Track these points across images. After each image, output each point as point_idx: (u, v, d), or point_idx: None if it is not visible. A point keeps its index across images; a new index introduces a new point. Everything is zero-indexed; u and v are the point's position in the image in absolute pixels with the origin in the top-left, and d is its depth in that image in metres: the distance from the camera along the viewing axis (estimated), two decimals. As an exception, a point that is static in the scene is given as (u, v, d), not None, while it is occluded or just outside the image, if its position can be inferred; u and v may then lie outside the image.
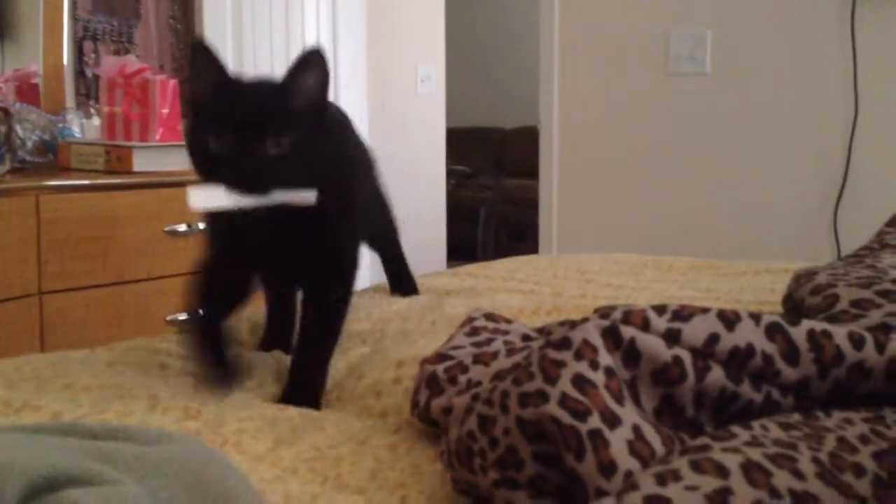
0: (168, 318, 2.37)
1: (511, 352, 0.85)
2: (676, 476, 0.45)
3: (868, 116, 2.70)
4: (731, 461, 0.48)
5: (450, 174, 4.81)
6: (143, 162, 2.38)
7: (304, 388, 1.06)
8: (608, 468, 0.54)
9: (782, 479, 0.46)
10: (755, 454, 0.50)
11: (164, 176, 2.38)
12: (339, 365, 1.12)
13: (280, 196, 0.99)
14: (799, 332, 0.66)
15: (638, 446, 0.56)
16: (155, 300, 2.35)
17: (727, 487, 0.44)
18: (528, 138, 5.12)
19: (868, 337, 0.67)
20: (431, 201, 4.47)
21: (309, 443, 0.82)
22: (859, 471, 0.50)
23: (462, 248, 5.38)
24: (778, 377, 0.64)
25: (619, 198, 3.15)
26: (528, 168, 4.26)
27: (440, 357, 0.87)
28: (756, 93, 2.88)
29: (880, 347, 0.66)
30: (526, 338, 0.93)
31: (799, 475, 0.47)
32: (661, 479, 0.45)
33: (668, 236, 3.03)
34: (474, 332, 0.97)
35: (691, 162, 3.00)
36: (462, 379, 0.81)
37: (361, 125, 3.69)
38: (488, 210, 5.75)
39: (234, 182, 0.97)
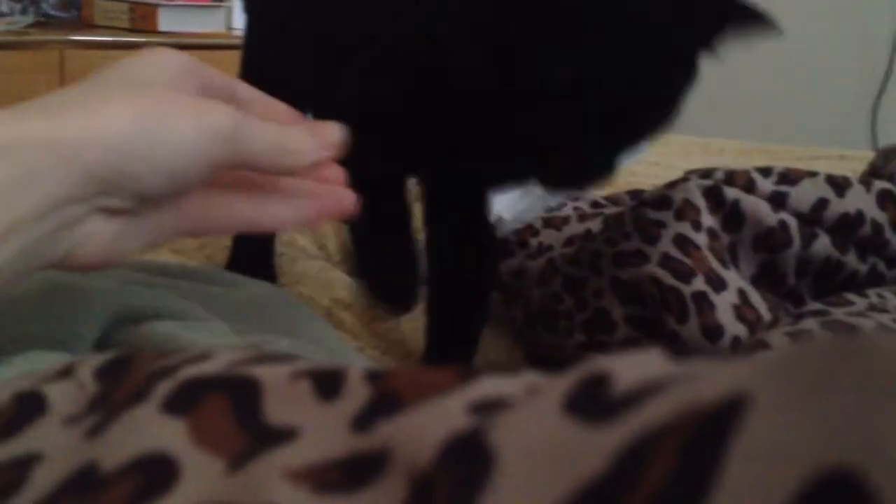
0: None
1: (582, 217, 0.81)
2: (810, 336, 0.42)
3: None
4: (864, 324, 0.45)
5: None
6: (169, 21, 2.31)
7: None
8: (714, 332, 0.51)
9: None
10: (884, 319, 0.47)
11: (189, 37, 2.31)
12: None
13: None
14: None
15: (745, 311, 0.53)
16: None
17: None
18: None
19: None
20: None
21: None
22: None
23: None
24: (886, 248, 0.60)
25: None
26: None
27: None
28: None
29: None
30: (595, 204, 0.90)
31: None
32: (796, 339, 0.42)
33: (708, 115, 2.95)
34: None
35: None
36: (533, 242, 0.78)
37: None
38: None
39: None
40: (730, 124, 2.88)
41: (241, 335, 0.45)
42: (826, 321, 0.45)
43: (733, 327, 0.52)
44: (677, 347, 0.52)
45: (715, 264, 0.55)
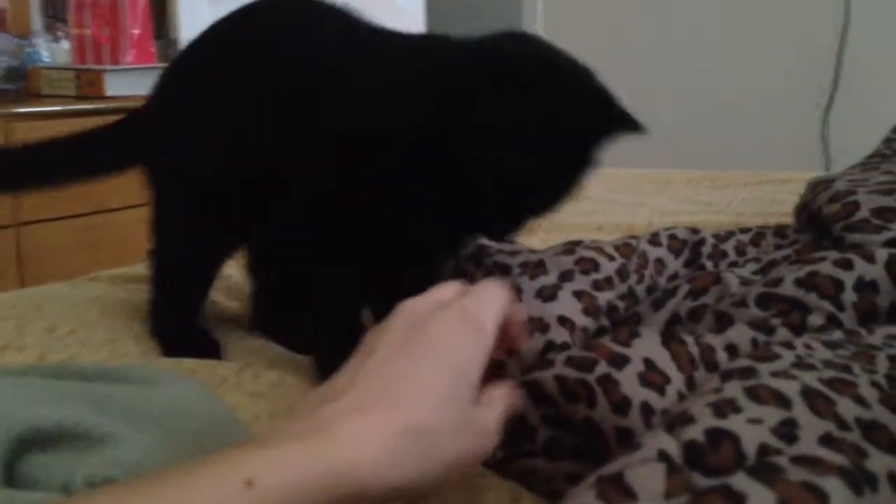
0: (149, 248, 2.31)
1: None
2: (735, 406, 0.41)
3: (859, 23, 2.63)
4: (790, 388, 0.44)
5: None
6: (116, 86, 2.30)
7: None
8: (622, 405, 0.51)
9: (847, 408, 0.42)
10: (811, 379, 0.46)
11: (138, 100, 2.29)
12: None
13: None
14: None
15: (650, 376, 0.53)
16: (135, 229, 2.29)
17: (792, 419, 0.40)
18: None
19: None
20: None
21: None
22: (922, 393, 0.47)
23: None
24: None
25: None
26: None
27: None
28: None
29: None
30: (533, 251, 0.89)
31: (862, 402, 0.43)
32: (719, 410, 0.41)
33: (657, 146, 2.97)
34: (481, 250, 0.92)
35: (680, 67, 2.94)
36: None
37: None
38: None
39: None
40: (679, 154, 2.91)
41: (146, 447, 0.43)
42: (749, 387, 0.44)
43: (639, 395, 0.51)
44: (593, 431, 0.51)
45: (616, 347, 0.55)
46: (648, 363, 0.54)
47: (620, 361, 0.54)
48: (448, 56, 0.71)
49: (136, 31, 2.38)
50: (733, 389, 0.44)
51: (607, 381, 0.52)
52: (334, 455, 0.38)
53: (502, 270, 0.74)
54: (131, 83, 2.34)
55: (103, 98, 2.27)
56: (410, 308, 0.49)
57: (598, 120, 0.71)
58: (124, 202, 2.25)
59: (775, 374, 0.47)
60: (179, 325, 0.82)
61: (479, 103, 0.65)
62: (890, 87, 2.58)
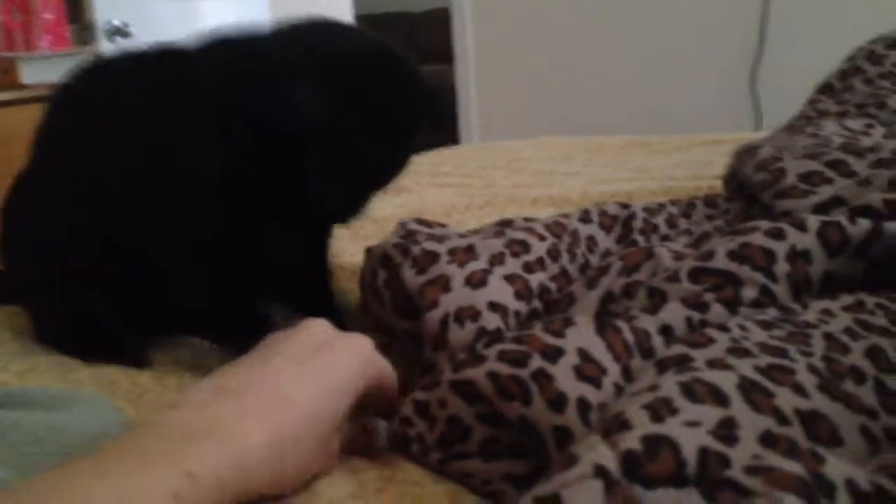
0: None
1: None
2: (671, 407, 0.39)
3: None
4: (726, 382, 0.42)
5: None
6: (31, 73, 2.21)
7: None
8: (557, 401, 0.49)
9: (786, 399, 0.41)
10: (747, 368, 0.44)
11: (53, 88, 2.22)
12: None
13: None
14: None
15: (585, 368, 0.51)
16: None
17: (731, 418, 0.39)
18: (439, 21, 4.95)
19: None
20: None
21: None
22: (859, 376, 0.46)
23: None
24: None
25: (538, 78, 3.07)
26: (443, 52, 4.13)
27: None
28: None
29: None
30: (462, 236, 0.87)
31: (801, 391, 0.42)
32: (655, 413, 0.39)
33: (591, 114, 2.97)
34: (409, 235, 0.90)
35: (610, 33, 2.93)
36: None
37: (263, 19, 3.50)
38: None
39: None
40: (611, 120, 2.92)
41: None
42: (685, 383, 0.42)
43: (575, 390, 0.50)
44: (529, 429, 0.49)
45: (549, 338, 0.53)
46: (583, 354, 0.52)
47: (554, 354, 0.52)
48: (262, 61, 0.71)
49: (50, 16, 2.30)
50: (669, 386, 0.42)
51: (542, 377, 0.50)
52: (228, 454, 0.42)
53: (431, 258, 0.72)
54: (47, 70, 2.26)
55: (19, 86, 2.18)
56: (318, 328, 0.54)
57: (411, 111, 0.74)
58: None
59: (711, 364, 0.45)
60: None
61: (298, 106, 0.66)
62: (817, 40, 2.60)
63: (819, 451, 0.36)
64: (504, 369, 0.51)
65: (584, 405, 0.48)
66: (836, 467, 0.35)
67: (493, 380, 0.52)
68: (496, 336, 0.62)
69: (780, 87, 2.65)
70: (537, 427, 0.48)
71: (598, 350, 0.53)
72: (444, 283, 0.68)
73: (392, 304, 0.73)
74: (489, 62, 3.17)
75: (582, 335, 0.54)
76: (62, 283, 0.77)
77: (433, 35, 5.90)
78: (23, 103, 2.13)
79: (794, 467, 0.35)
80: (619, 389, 0.51)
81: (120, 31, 2.83)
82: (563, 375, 0.50)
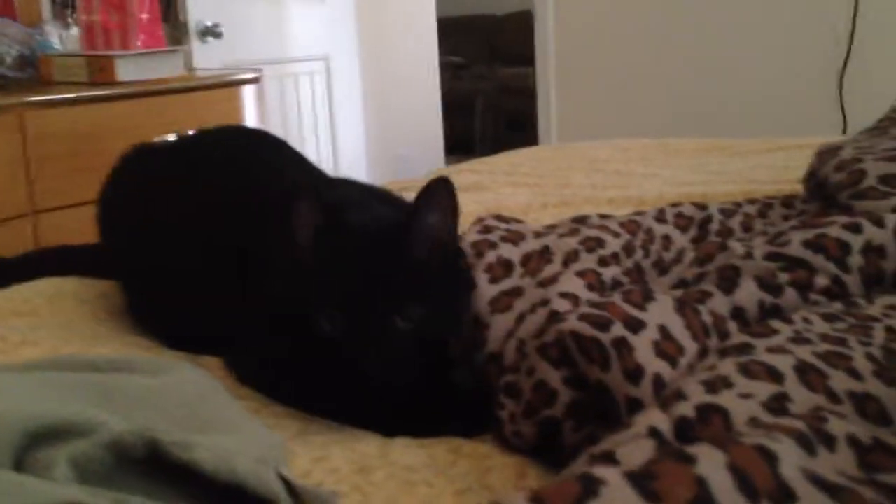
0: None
1: (537, 234, 0.82)
2: (727, 382, 0.42)
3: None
4: (783, 363, 0.44)
5: (443, 66, 4.69)
6: (127, 71, 2.30)
7: None
8: (635, 373, 0.51)
9: (840, 381, 0.43)
10: (805, 353, 0.46)
11: (149, 84, 2.30)
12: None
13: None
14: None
15: (665, 346, 0.53)
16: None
17: (784, 393, 0.41)
18: (522, 24, 4.97)
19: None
20: (426, 95, 4.36)
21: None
22: (917, 365, 0.47)
23: (460, 142, 5.30)
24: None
25: (617, 81, 3.07)
26: (524, 55, 4.14)
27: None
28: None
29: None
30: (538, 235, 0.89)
31: (856, 375, 0.44)
32: (711, 387, 0.41)
33: (669, 117, 2.96)
34: (486, 230, 0.93)
35: (691, 36, 2.91)
36: (490, 255, 0.77)
37: (348, 23, 3.57)
38: (485, 101, 5.65)
39: (362, 373, 0.70)
40: (691, 124, 2.90)
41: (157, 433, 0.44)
42: (743, 363, 0.44)
43: (654, 365, 0.52)
44: (604, 394, 0.52)
45: (630, 309, 0.55)
46: (664, 331, 0.54)
47: (636, 325, 0.54)
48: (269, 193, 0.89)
49: (145, 16, 2.38)
50: (727, 366, 0.44)
51: (623, 346, 0.52)
52: None
53: (505, 267, 0.75)
54: (142, 68, 2.35)
55: (115, 84, 2.27)
56: None
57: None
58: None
59: (770, 350, 0.47)
60: None
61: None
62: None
63: (824, 414, 0.38)
64: (586, 330, 0.53)
65: (659, 381, 0.50)
66: (838, 424, 0.37)
67: (575, 340, 0.54)
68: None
69: (867, 91, 2.60)
70: (613, 394, 0.51)
71: (678, 328, 0.55)
72: (517, 292, 0.71)
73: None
74: (568, 65, 3.18)
75: (662, 311, 0.56)
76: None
77: (515, 37, 5.91)
78: (118, 99, 2.23)
79: (797, 423, 0.37)
80: (691, 369, 0.53)
81: (210, 31, 2.93)
82: (644, 349, 0.52)
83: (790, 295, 0.62)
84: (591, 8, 3.10)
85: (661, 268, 0.76)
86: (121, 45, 2.36)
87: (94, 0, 2.37)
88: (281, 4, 3.26)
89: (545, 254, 0.79)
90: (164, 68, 2.42)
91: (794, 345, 0.48)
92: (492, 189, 1.48)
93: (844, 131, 2.62)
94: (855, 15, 2.62)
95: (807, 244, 0.67)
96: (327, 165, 3.49)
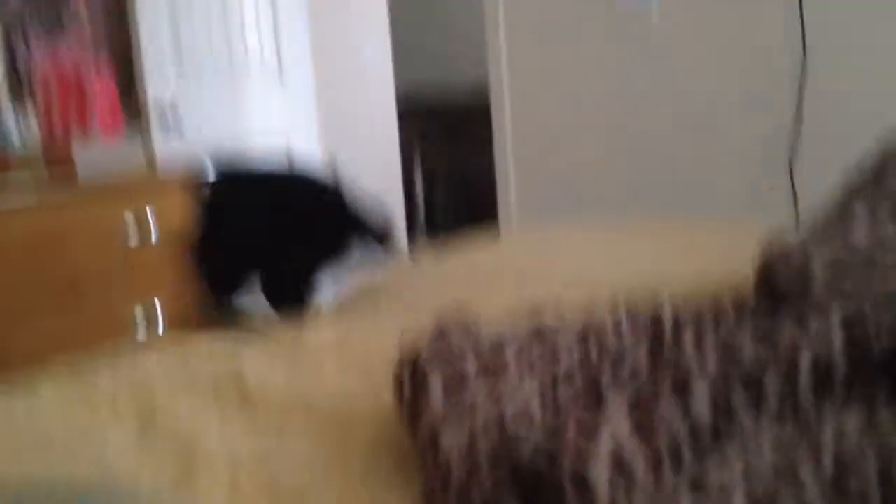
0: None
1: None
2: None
3: (817, 61, 2.68)
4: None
5: (404, 150, 4.74)
6: (86, 165, 2.31)
7: None
8: None
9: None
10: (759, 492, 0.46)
11: (109, 177, 2.31)
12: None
13: None
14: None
15: (618, 474, 0.53)
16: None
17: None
18: (481, 109, 5.05)
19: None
20: (386, 177, 4.40)
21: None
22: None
23: (420, 223, 5.33)
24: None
25: (573, 163, 3.12)
26: (483, 139, 4.20)
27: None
28: (702, 41, 2.85)
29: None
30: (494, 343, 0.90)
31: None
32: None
33: (624, 193, 3.01)
34: (442, 336, 0.93)
35: (643, 118, 2.97)
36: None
37: (308, 102, 3.61)
38: (444, 183, 5.70)
39: None
40: (647, 203, 2.95)
41: None
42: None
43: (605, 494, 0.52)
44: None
45: (583, 440, 0.56)
46: (617, 457, 0.54)
47: (589, 455, 0.54)
48: None
49: (103, 103, 2.40)
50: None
51: (580, 484, 0.52)
52: None
53: (460, 382, 0.75)
54: (100, 160, 2.36)
55: (73, 178, 2.27)
56: None
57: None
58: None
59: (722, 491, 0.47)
60: None
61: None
62: (854, 119, 2.62)
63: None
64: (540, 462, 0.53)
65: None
66: None
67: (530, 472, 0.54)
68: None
69: (816, 170, 2.67)
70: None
71: (632, 451, 0.55)
72: (471, 407, 0.71)
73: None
74: (526, 153, 3.24)
75: (617, 431, 0.56)
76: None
77: (474, 122, 6.00)
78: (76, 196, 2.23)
79: None
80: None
81: (169, 117, 2.94)
82: (600, 481, 0.52)
83: (742, 410, 0.63)
84: (546, 95, 3.17)
85: (617, 380, 0.76)
86: (80, 133, 2.37)
87: (51, 88, 2.38)
88: (237, 85, 3.29)
89: (500, 364, 0.79)
90: (124, 160, 2.42)
91: (746, 479, 0.48)
92: (451, 281, 1.49)
93: (797, 211, 2.68)
94: (801, 93, 2.70)
95: (758, 356, 0.68)
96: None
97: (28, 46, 2.64)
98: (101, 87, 2.39)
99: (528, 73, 3.20)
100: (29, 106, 2.60)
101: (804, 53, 2.67)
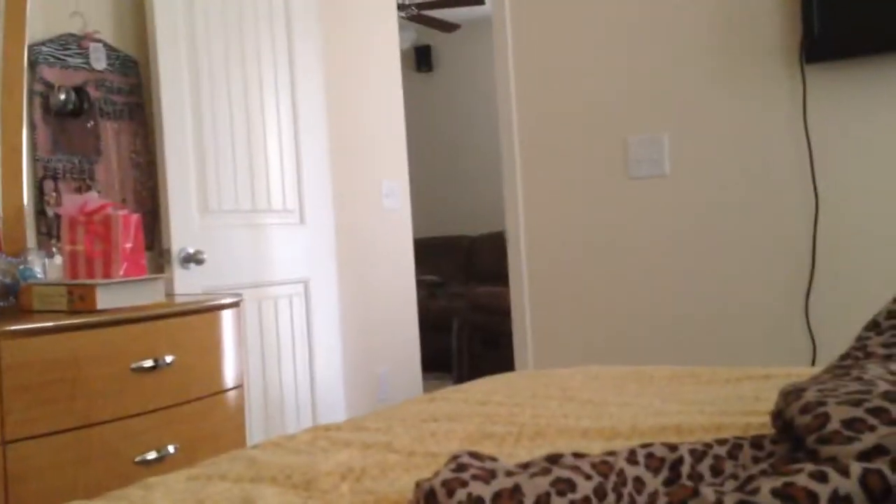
0: (136, 459, 2.29)
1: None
2: None
3: (828, 207, 2.73)
4: None
5: (420, 284, 4.80)
6: (107, 299, 2.34)
7: None
8: None
9: None
10: None
11: (128, 312, 2.34)
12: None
13: None
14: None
15: None
16: (122, 442, 2.28)
17: None
18: (495, 244, 5.14)
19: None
20: (403, 313, 4.44)
21: None
22: None
23: (436, 359, 5.33)
24: None
25: (589, 301, 3.14)
26: (498, 274, 4.25)
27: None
28: (717, 194, 2.91)
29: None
30: (510, 474, 0.89)
31: None
32: None
33: (641, 338, 3.01)
34: (460, 468, 0.93)
35: (658, 264, 3.01)
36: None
37: (328, 246, 3.68)
38: (461, 319, 5.73)
39: None
40: (662, 349, 2.96)
41: None
42: None
43: None
44: None
45: None
46: None
47: None
48: None
49: (129, 245, 2.45)
50: None
51: None
52: None
53: (476, 503, 0.75)
54: (121, 295, 2.39)
55: (94, 311, 2.30)
56: None
57: None
58: (112, 414, 2.25)
59: None
60: None
61: None
62: (864, 272, 2.65)
63: None
64: None
65: None
66: None
67: None
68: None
69: (833, 314, 2.68)
70: None
71: None
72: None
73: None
74: (541, 285, 3.26)
75: None
76: None
77: (489, 256, 6.09)
78: (96, 327, 2.25)
79: None
80: None
81: (192, 258, 3.01)
82: None
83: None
84: (559, 231, 3.22)
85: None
86: (103, 273, 2.41)
87: (79, 230, 2.44)
88: (261, 229, 3.37)
89: (516, 493, 0.79)
90: (143, 295, 2.46)
91: None
92: (464, 421, 1.48)
93: (814, 353, 2.68)
94: (814, 239, 2.74)
95: (775, 493, 0.68)
96: (303, 387, 3.49)
97: (57, 191, 2.74)
98: (128, 229, 2.45)
99: (543, 228, 3.27)
100: (55, 246, 2.67)
101: (816, 207, 2.73)
